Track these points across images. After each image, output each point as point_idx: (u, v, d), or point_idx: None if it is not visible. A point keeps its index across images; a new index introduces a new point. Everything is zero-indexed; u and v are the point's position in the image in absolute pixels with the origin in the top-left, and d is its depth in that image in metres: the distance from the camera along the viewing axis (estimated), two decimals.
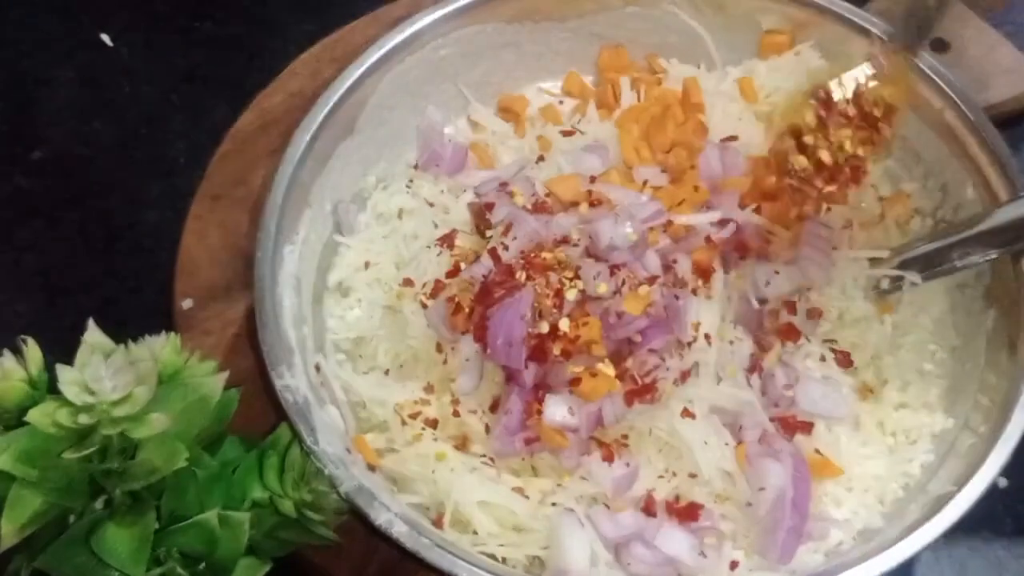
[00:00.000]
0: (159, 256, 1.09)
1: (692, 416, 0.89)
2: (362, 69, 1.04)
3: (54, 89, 1.27)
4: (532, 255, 0.92)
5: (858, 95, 0.91)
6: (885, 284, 1.01)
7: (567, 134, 1.11)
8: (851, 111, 0.91)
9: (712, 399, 0.91)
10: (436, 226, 1.04)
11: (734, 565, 0.88)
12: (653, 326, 0.89)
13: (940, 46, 1.20)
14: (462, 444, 0.92)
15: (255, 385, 0.91)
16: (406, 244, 1.04)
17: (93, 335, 0.75)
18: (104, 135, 1.24)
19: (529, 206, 0.97)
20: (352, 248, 1.05)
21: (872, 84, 0.91)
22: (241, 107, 1.10)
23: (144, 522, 0.73)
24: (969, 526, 0.88)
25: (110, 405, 0.70)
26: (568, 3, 1.14)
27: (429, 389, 0.95)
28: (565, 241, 0.93)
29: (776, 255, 0.98)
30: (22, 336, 0.75)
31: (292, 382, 0.88)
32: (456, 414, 0.92)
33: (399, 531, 0.82)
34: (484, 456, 0.91)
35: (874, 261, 1.01)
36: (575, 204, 0.97)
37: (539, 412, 0.88)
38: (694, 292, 0.92)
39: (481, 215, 0.99)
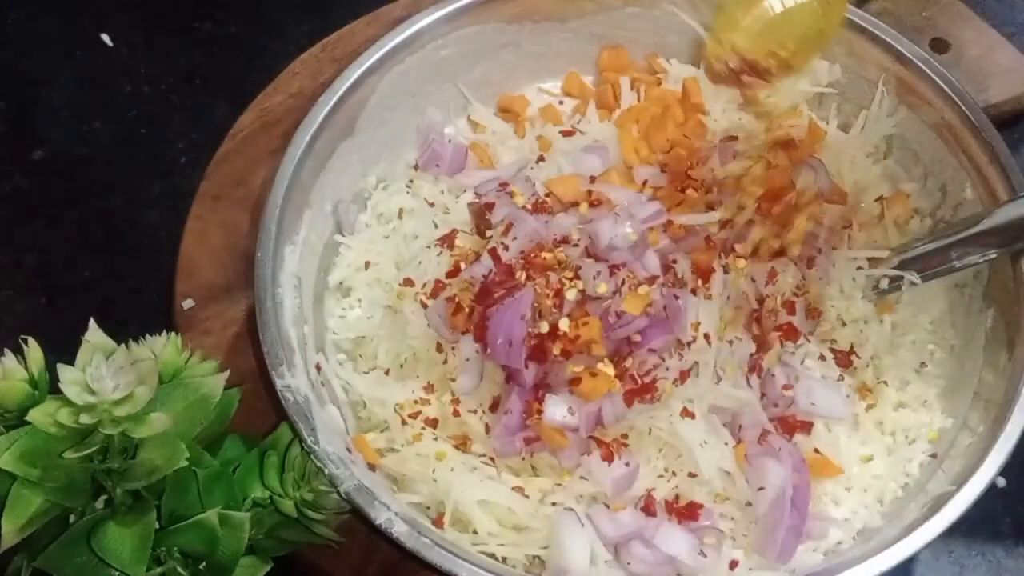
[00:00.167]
0: (159, 256, 1.09)
1: (692, 416, 0.89)
2: (362, 69, 1.04)
3: (54, 89, 1.27)
4: (532, 255, 0.92)
5: None
6: (884, 284, 1.01)
7: (567, 134, 1.11)
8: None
9: (711, 399, 0.91)
10: (436, 226, 1.04)
11: (734, 564, 0.88)
12: (653, 326, 0.89)
13: (940, 46, 1.20)
14: (462, 444, 0.92)
15: (255, 385, 0.91)
16: (406, 244, 1.04)
17: (94, 335, 0.75)
18: (104, 135, 1.24)
19: (529, 206, 0.97)
20: (352, 248, 1.05)
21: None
22: (241, 107, 1.10)
23: (145, 522, 0.73)
24: (968, 526, 0.88)
25: (111, 405, 0.70)
26: (568, 3, 1.14)
27: (429, 389, 0.95)
28: (565, 241, 0.93)
29: (775, 255, 0.98)
30: (23, 336, 0.75)
31: (293, 382, 0.88)
32: (456, 414, 0.92)
33: (399, 530, 0.82)
34: (484, 456, 0.91)
35: (873, 261, 1.01)
36: (575, 204, 0.97)
37: (539, 412, 0.88)
38: (694, 292, 0.92)
39: (481, 215, 0.99)
